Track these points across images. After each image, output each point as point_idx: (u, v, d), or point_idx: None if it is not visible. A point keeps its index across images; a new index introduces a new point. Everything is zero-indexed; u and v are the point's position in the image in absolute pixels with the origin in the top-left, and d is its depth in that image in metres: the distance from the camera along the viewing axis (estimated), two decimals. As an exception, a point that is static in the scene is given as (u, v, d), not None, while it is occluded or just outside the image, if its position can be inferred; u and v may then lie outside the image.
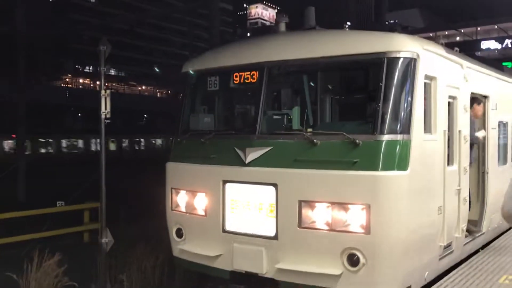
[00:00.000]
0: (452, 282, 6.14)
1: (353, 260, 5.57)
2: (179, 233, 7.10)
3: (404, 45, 5.79)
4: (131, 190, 20.13)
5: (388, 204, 5.46)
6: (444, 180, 6.50)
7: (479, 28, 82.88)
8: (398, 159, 5.55)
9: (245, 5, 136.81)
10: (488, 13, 76.42)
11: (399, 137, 5.62)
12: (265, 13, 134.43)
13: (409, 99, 5.75)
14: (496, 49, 79.12)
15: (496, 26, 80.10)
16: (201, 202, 6.73)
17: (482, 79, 8.13)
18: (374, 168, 5.47)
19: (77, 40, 76.63)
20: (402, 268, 5.68)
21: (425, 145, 5.99)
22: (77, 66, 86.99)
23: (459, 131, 7.06)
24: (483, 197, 8.30)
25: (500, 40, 79.31)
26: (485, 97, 8.24)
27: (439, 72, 6.38)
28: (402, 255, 5.63)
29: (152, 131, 67.18)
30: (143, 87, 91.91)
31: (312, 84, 6.69)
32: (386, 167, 5.47)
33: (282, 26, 6.75)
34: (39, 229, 13.18)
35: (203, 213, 6.71)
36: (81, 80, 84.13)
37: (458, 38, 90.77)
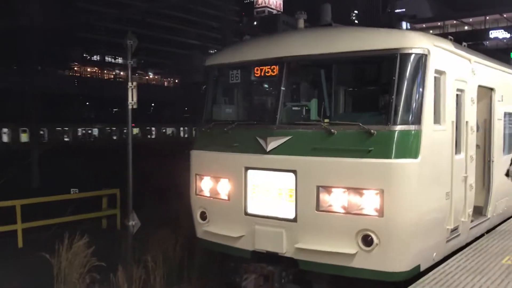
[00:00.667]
0: (458, 262, 6.64)
1: (367, 241, 6.07)
2: (203, 216, 7.62)
3: (416, 42, 6.24)
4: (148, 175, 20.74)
5: (400, 189, 5.94)
6: (452, 167, 6.97)
7: (487, 17, 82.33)
8: (410, 147, 6.02)
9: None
10: (496, 2, 75.98)
11: (411, 127, 6.09)
12: (272, 1, 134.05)
13: (420, 92, 6.21)
14: (505, 38, 78.83)
15: (505, 15, 79.66)
16: (224, 187, 7.23)
17: (489, 72, 8.56)
18: (388, 156, 5.95)
19: (84, 29, 77.15)
20: (412, 248, 6.18)
21: (435, 135, 6.46)
22: (84, 55, 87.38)
23: (466, 122, 7.52)
24: (488, 184, 8.76)
25: (509, 29, 79.00)
26: (491, 89, 8.68)
27: (448, 67, 6.83)
28: (412, 236, 6.12)
29: (160, 120, 68.03)
30: (151, 76, 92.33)
31: (329, 78, 7.14)
32: (399, 155, 5.95)
33: (301, 23, 7.21)
34: (55, 215, 13.76)
35: (226, 198, 7.22)
36: (88, 69, 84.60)
37: (466, 28, 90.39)
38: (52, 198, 14.10)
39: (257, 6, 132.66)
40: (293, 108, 6.99)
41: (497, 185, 8.79)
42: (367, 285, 6.32)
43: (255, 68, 7.15)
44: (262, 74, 7.06)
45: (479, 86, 8.01)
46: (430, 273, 6.23)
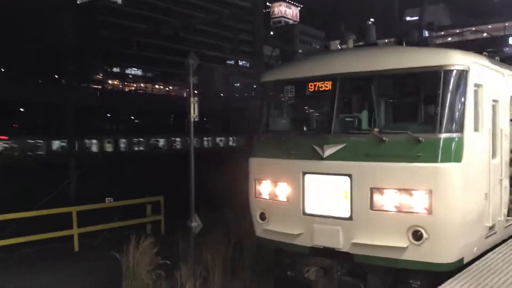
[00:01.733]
0: (498, 255, 7.45)
1: (417, 236, 6.90)
2: (263, 217, 8.51)
3: (457, 60, 7.11)
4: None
5: (446, 189, 6.77)
6: (490, 171, 7.79)
7: (506, 24, 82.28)
8: (454, 153, 6.86)
9: (268, 3, 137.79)
10: (515, 9, 75.85)
11: (454, 135, 6.93)
12: (288, 11, 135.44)
13: (462, 104, 7.07)
14: (524, 44, 78.82)
15: (525, 22, 79.59)
16: (283, 190, 8.12)
17: None
18: (435, 160, 6.79)
19: (105, 42, 78.95)
20: (457, 243, 6.99)
21: (475, 141, 7.29)
22: (105, 67, 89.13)
23: (501, 129, 8.33)
24: None
25: (528, 35, 79.06)
26: (522, 99, 9.47)
27: (485, 80, 7.67)
28: (457, 232, 6.94)
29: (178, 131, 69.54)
30: (170, 87, 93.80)
31: (378, 92, 8.02)
32: (445, 160, 6.79)
33: (350, 43, 8.13)
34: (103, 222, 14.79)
35: (285, 199, 8.11)
36: (110, 81, 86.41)
37: (485, 34, 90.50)
38: (103, 205, 15.15)
39: (273, 16, 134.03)
40: (346, 119, 7.87)
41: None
42: (416, 276, 7.15)
43: (309, 84, 8.07)
44: (316, 89, 7.98)
45: (511, 96, 8.83)
46: (476, 263, 7.05)
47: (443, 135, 6.89)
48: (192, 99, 9.25)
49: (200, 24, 73.97)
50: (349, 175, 7.33)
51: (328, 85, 7.83)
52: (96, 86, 73.26)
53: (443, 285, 6.27)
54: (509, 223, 8.90)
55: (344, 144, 7.44)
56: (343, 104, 7.98)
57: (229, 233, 11.30)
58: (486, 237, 7.90)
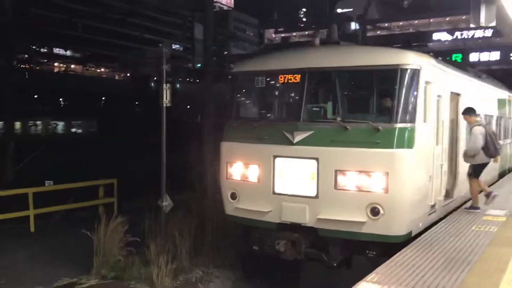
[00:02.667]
0: (441, 228, 8.72)
1: (374, 212, 7.96)
2: (233, 196, 9.31)
3: (412, 60, 8.22)
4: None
5: (400, 172, 7.88)
6: (433, 156, 9.02)
7: (431, 20, 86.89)
8: (407, 140, 7.96)
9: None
10: (440, 6, 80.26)
11: (408, 125, 8.03)
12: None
13: (415, 98, 8.19)
14: (447, 40, 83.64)
15: (447, 19, 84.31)
16: (255, 172, 8.96)
17: (457, 81, 10.71)
18: (391, 146, 7.87)
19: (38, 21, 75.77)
20: (407, 218, 8.15)
21: (424, 131, 8.45)
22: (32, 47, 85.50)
23: (443, 121, 9.59)
24: (455, 171, 10.92)
25: (451, 32, 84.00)
26: (458, 94, 10.83)
27: (432, 78, 8.85)
28: (408, 208, 8.09)
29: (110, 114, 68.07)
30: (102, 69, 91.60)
31: (342, 85, 9.00)
32: (399, 146, 7.88)
33: (317, 41, 9.06)
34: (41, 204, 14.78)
35: (256, 180, 8.96)
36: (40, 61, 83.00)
37: (411, 30, 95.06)
38: (58, 187, 15.32)
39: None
40: (313, 109, 8.81)
41: (461, 173, 10.96)
42: (372, 247, 8.25)
43: (280, 76, 8.95)
44: (286, 81, 8.87)
45: (451, 92, 10.14)
46: (424, 234, 8.26)
47: (398, 125, 7.98)
48: (164, 85, 9.83)
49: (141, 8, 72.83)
50: (316, 159, 8.28)
51: (297, 78, 8.73)
52: (25, 66, 70.29)
53: (400, 252, 7.37)
54: (446, 203, 10.26)
55: (312, 131, 8.37)
56: (310, 95, 8.90)
57: (190, 213, 12.02)
58: (429, 214, 9.15)
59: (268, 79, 9.28)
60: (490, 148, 10.06)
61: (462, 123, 10.99)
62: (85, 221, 11.91)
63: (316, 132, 8.37)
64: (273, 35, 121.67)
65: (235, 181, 9.29)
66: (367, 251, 8.29)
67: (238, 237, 11.32)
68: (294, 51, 9.42)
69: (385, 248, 8.17)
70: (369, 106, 8.81)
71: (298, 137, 8.40)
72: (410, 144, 7.97)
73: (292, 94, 9.37)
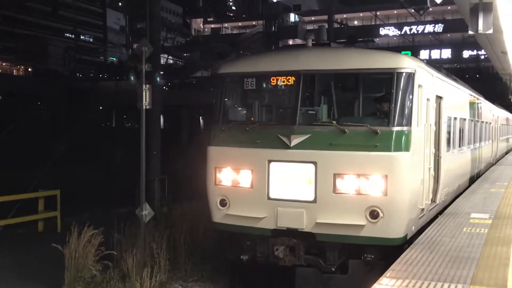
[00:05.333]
0: (435, 231, 10.06)
1: (373, 215, 9.13)
2: (223, 203, 10.19)
3: (407, 63, 9.52)
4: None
5: (399, 174, 9.12)
6: (424, 159, 10.35)
7: (378, 13, 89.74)
8: (404, 143, 9.21)
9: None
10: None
11: (404, 128, 9.29)
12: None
13: (410, 101, 9.47)
14: (395, 35, 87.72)
15: (395, 11, 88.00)
16: (247, 177, 9.89)
17: (441, 84, 12.18)
18: (389, 149, 9.09)
19: None
20: (405, 221, 9.39)
21: (418, 134, 9.75)
22: None
23: (430, 124, 10.97)
24: (437, 176, 12.36)
25: (399, 26, 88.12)
26: (441, 97, 12.30)
27: (423, 81, 10.20)
28: (405, 211, 9.33)
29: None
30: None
31: (338, 88, 10.14)
32: (397, 149, 9.12)
33: (310, 42, 10.18)
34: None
35: (249, 186, 9.89)
36: None
37: (356, 22, 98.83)
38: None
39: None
40: (309, 112, 9.89)
41: (443, 177, 12.43)
42: (370, 250, 9.41)
43: (272, 78, 9.99)
44: (279, 84, 9.92)
45: (436, 95, 11.57)
46: (420, 236, 9.54)
47: (396, 128, 9.22)
48: (144, 86, 10.54)
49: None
50: (314, 163, 9.35)
51: (291, 80, 9.79)
52: None
53: (405, 252, 8.59)
54: (431, 207, 11.66)
55: (309, 135, 9.44)
56: (306, 98, 9.98)
57: (159, 224, 12.79)
58: (419, 218, 10.47)
59: (259, 81, 10.29)
60: None
61: (443, 126, 12.47)
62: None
63: (313, 136, 9.44)
64: (201, 25, 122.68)
65: (225, 187, 10.18)
66: (366, 255, 9.45)
67: (214, 247, 12.24)
68: (286, 52, 10.46)
69: (383, 252, 9.36)
70: (366, 109, 9.99)
71: (295, 140, 9.44)
72: (407, 147, 9.23)
73: (286, 97, 10.41)
